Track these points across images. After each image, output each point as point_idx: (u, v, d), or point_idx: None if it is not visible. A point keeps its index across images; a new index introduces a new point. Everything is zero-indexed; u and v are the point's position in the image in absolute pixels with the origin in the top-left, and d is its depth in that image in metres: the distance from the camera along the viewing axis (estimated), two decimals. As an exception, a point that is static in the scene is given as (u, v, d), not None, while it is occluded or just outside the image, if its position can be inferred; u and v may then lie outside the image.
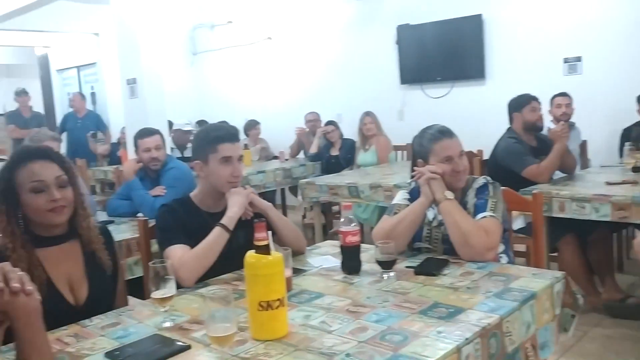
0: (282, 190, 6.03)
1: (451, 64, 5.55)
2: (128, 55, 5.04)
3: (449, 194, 1.92)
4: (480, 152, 4.35)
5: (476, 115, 5.33)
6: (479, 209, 1.94)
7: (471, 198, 2.01)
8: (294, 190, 5.85)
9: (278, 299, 1.37)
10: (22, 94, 7.13)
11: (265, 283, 1.37)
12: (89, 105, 7.57)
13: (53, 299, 1.58)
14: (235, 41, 7.29)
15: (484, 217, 1.91)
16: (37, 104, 8.22)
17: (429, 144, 2.00)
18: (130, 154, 4.62)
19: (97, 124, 7.08)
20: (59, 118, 8.51)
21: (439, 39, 5.57)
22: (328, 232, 5.03)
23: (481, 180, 2.05)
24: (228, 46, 7.39)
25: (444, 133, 2.01)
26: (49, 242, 1.67)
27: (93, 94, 8.46)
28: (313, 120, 6.02)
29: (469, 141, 2.43)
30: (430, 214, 2.03)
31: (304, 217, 5.39)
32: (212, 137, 2.00)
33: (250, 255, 1.41)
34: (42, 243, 1.66)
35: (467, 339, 1.29)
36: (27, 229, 1.64)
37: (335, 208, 5.56)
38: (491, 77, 5.39)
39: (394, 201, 2.09)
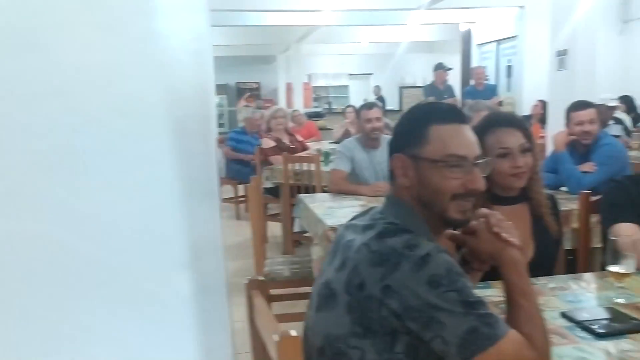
0: None
1: None
2: (559, 26, 4.92)
3: None
4: None
5: None
6: None
7: None
8: None
9: None
10: (439, 68, 7.77)
11: None
12: (503, 78, 7.77)
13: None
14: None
15: None
16: (454, 78, 8.90)
17: None
18: (552, 127, 4.57)
19: (492, 96, 7.22)
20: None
21: None
22: None
23: None
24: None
25: None
26: (503, 201, 1.83)
27: (509, 67, 8.65)
28: None
29: None
30: None
31: None
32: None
33: None
34: (497, 201, 1.83)
35: None
36: (487, 187, 1.83)
37: None
38: None
39: None
